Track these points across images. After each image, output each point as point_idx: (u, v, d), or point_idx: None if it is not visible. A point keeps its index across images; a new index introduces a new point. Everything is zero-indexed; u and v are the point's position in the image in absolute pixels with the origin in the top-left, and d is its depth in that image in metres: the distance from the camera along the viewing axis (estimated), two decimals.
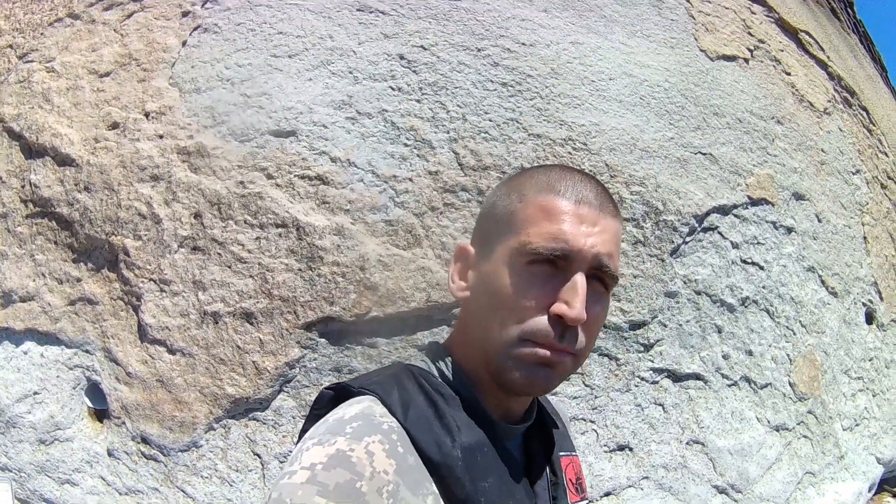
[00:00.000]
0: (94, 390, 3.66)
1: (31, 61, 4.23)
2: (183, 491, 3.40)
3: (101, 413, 3.64)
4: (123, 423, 3.51)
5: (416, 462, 1.13)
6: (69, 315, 3.71)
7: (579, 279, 1.17)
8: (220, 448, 3.40)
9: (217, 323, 3.49)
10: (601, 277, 1.23)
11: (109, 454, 3.51)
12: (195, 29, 4.10)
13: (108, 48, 4.14)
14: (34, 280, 3.79)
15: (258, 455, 3.39)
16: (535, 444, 1.39)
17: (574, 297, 1.16)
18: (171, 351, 3.51)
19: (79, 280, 3.75)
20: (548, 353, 1.18)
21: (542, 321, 1.18)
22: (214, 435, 3.42)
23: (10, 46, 4.33)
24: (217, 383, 3.43)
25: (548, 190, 1.24)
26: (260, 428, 3.42)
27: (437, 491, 1.13)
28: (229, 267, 3.54)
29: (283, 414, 3.42)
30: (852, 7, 9.28)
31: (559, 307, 1.16)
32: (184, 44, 4.07)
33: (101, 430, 3.58)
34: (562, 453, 1.44)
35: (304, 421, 1.32)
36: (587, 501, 1.46)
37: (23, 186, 3.95)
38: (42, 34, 4.30)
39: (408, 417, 1.17)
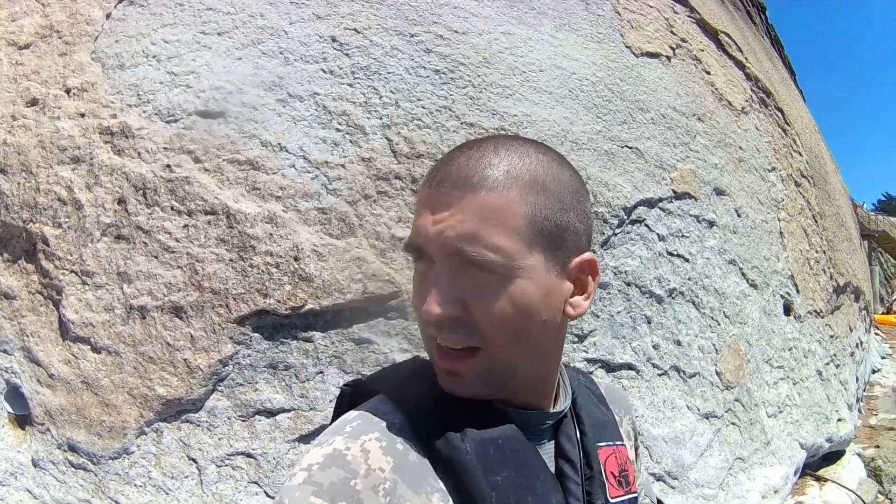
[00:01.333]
0: (14, 394, 3.41)
1: None
2: (116, 501, 3.15)
3: (22, 419, 3.39)
4: (48, 429, 3.28)
5: (419, 459, 1.08)
6: None
7: (433, 275, 1.09)
8: (153, 454, 3.19)
9: (144, 318, 3.28)
10: (476, 263, 1.08)
11: (35, 464, 3.27)
12: (121, 1, 3.90)
13: (29, 18, 3.93)
14: None
15: (194, 460, 3.19)
16: (567, 437, 1.29)
17: (428, 294, 1.08)
18: (96, 349, 3.28)
19: None
20: (443, 364, 1.13)
21: (426, 321, 1.12)
22: (146, 440, 3.20)
23: None
24: (147, 384, 3.22)
25: (426, 177, 1.16)
26: (194, 431, 3.22)
27: (444, 488, 1.07)
28: (156, 257, 3.34)
29: (217, 415, 3.22)
30: (765, 12, 9.58)
31: (423, 306, 1.09)
32: (108, 16, 3.87)
33: (25, 438, 3.34)
34: (601, 444, 1.33)
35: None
36: (633, 496, 1.35)
37: None
38: None
39: (415, 414, 1.13)
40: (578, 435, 1.29)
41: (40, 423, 3.28)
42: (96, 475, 3.20)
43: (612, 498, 1.28)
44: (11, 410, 3.37)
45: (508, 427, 1.16)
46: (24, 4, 3.98)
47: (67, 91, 3.66)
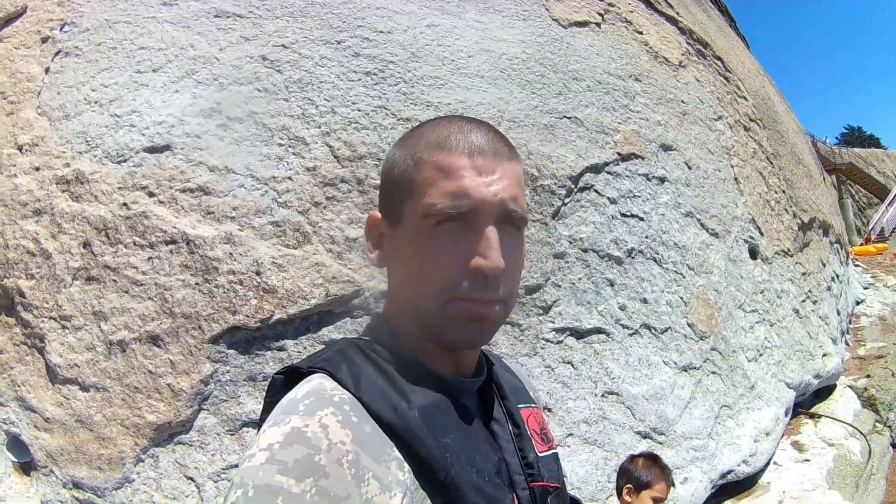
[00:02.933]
0: (15, 443, 3.59)
1: None
2: None
3: (26, 466, 3.57)
4: (52, 471, 3.46)
5: (374, 429, 1.15)
6: None
7: (490, 232, 1.18)
8: (153, 479, 3.38)
9: (125, 351, 3.48)
10: (511, 221, 1.22)
11: None
12: (56, 54, 4.11)
13: None
14: None
15: (191, 479, 3.38)
16: (491, 399, 1.41)
17: (488, 250, 1.17)
18: (85, 388, 3.49)
19: None
20: (477, 307, 1.20)
21: (462, 277, 1.19)
22: (144, 466, 3.39)
23: None
24: (136, 413, 3.42)
25: (439, 147, 1.24)
26: (188, 451, 3.41)
27: (399, 456, 1.14)
28: (126, 292, 3.54)
29: (206, 433, 3.43)
30: None
31: (477, 261, 1.18)
32: (47, 70, 4.07)
33: (32, 483, 3.52)
34: (521, 405, 1.46)
35: (261, 412, 1.31)
36: (556, 451, 1.44)
37: None
38: None
39: (360, 388, 1.19)
40: (500, 399, 1.42)
41: (43, 466, 3.47)
42: None
43: (539, 452, 1.40)
44: (15, 459, 3.55)
45: (445, 390, 1.27)
46: None
47: (20, 148, 3.86)
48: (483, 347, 1.44)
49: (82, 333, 3.54)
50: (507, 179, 1.20)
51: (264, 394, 1.34)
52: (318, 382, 1.19)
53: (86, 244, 3.64)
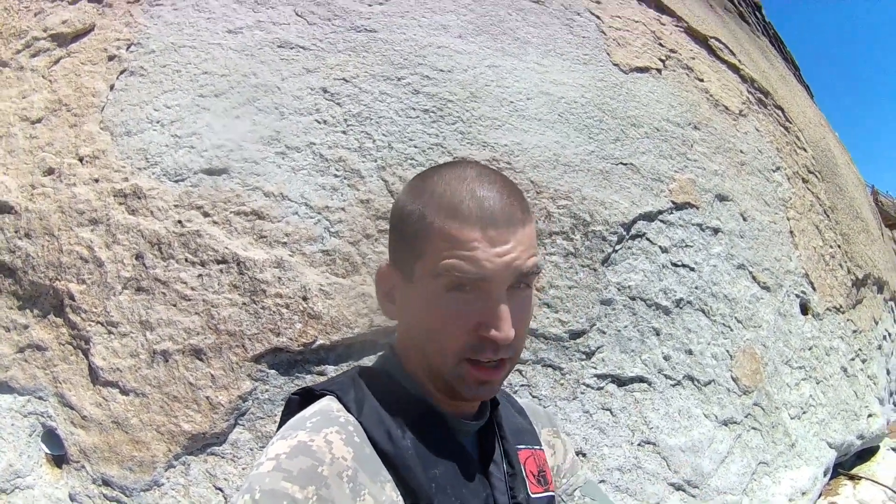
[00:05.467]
0: (50, 436, 3.71)
1: None
2: None
3: (58, 459, 3.69)
4: (83, 466, 3.58)
5: (372, 452, 1.26)
6: (19, 362, 3.78)
7: (503, 307, 1.27)
8: (182, 485, 3.49)
9: (167, 361, 3.61)
10: (524, 280, 1.32)
11: (71, 499, 3.56)
12: (122, 72, 4.24)
13: (38, 94, 4.25)
14: None
15: (220, 489, 3.49)
16: (491, 440, 1.48)
17: (500, 321, 1.26)
18: (125, 392, 3.61)
19: (26, 327, 3.82)
20: (486, 374, 1.31)
21: (473, 343, 1.29)
22: (175, 472, 3.50)
23: None
24: (173, 421, 3.54)
25: (451, 216, 1.28)
26: (219, 462, 3.52)
27: (392, 479, 1.25)
28: (174, 305, 3.67)
29: (240, 447, 3.53)
30: (760, 10, 9.65)
31: (490, 333, 1.27)
32: (112, 88, 4.20)
33: (61, 476, 3.63)
34: (521, 446, 1.54)
35: (277, 428, 1.42)
36: (552, 494, 1.54)
37: None
38: None
39: (362, 413, 1.31)
40: (500, 439, 1.51)
41: (76, 461, 3.60)
42: None
43: (532, 493, 1.49)
44: (48, 451, 3.69)
45: (443, 427, 1.39)
46: (32, 82, 4.32)
47: (80, 159, 3.99)
48: None
49: (127, 340, 3.67)
50: (520, 247, 1.29)
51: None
52: (325, 404, 1.33)
53: (138, 256, 3.77)
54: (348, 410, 1.32)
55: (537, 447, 1.61)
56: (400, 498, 1.25)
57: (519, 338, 1.32)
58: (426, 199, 1.33)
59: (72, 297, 3.77)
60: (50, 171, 4.02)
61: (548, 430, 1.75)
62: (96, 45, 4.38)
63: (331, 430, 1.24)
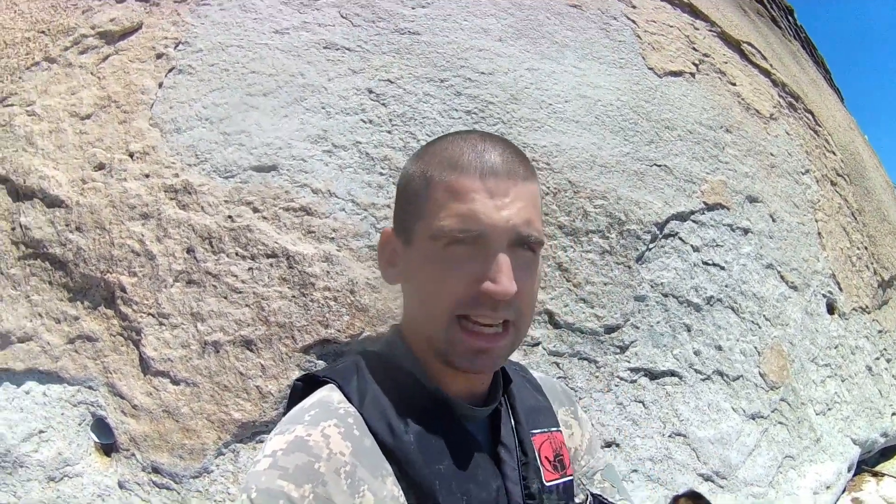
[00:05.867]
0: (100, 425, 3.80)
1: (11, 105, 4.37)
2: None
3: (107, 447, 3.77)
4: (133, 454, 3.67)
5: (373, 445, 1.22)
6: (69, 353, 3.84)
7: (502, 258, 1.22)
8: (231, 472, 3.58)
9: (218, 352, 3.71)
10: (525, 244, 1.26)
11: (120, 486, 3.65)
12: (170, 70, 4.33)
13: (87, 91, 4.32)
14: (31, 321, 3.91)
15: None
16: (503, 425, 1.43)
17: (499, 274, 1.21)
18: (175, 381, 3.70)
19: (76, 318, 3.89)
20: (482, 341, 1.25)
21: (471, 300, 1.23)
22: (224, 460, 3.59)
23: None
24: (223, 409, 3.63)
25: (451, 168, 1.26)
26: None
27: (394, 473, 1.21)
28: (225, 297, 3.77)
29: None
30: (792, 14, 9.67)
31: (487, 286, 1.21)
32: (160, 85, 4.28)
33: (111, 464, 3.73)
34: (536, 431, 1.48)
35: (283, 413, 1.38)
36: (570, 478, 1.48)
37: (13, 229, 4.07)
38: (20, 78, 4.44)
39: (363, 404, 1.26)
40: (513, 424, 1.45)
41: (125, 448, 3.69)
42: (179, 493, 3.60)
43: (547, 481, 1.43)
44: (97, 440, 3.78)
45: (449, 416, 1.33)
46: (80, 78, 4.40)
47: (131, 155, 4.08)
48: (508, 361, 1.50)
49: (178, 331, 3.78)
50: (520, 202, 1.25)
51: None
52: (325, 394, 1.30)
53: (189, 249, 3.87)
54: (349, 400, 1.28)
55: (554, 429, 1.55)
56: (401, 492, 1.22)
57: (522, 300, 1.28)
58: (428, 159, 1.33)
59: (123, 290, 3.86)
60: (100, 167, 4.10)
61: (565, 410, 1.69)
62: (144, 43, 4.47)
63: (329, 424, 1.21)
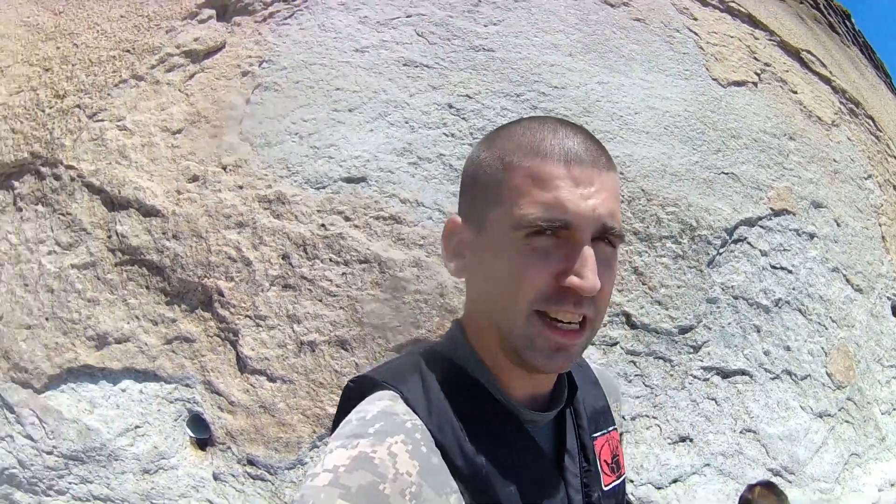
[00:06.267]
0: (195, 421, 3.99)
1: (102, 120, 4.52)
2: None
3: (202, 442, 3.97)
4: (229, 447, 3.86)
5: (440, 461, 1.13)
6: (167, 353, 4.03)
7: (587, 251, 1.13)
8: None
9: (314, 351, 3.90)
10: (607, 237, 1.18)
11: (215, 478, 3.86)
12: (256, 87, 4.51)
13: (177, 107, 4.50)
14: (128, 322, 4.08)
15: None
16: (567, 429, 1.35)
17: (585, 268, 1.12)
18: (272, 379, 3.90)
19: (174, 320, 4.07)
20: (563, 337, 1.16)
21: (553, 294, 1.15)
22: (318, 452, 3.72)
23: (78, 106, 4.59)
24: (318, 405, 3.82)
25: (533, 153, 1.17)
26: None
27: (458, 490, 1.14)
28: (320, 300, 3.95)
29: None
30: (850, 19, 9.64)
31: (572, 280, 1.12)
32: (247, 101, 4.46)
33: (206, 457, 3.92)
34: (596, 434, 1.40)
35: (335, 417, 1.31)
36: (622, 478, 1.43)
37: (109, 237, 4.22)
38: (109, 94, 4.59)
39: (431, 418, 1.16)
40: (577, 429, 1.37)
41: (221, 442, 3.89)
42: (273, 484, 3.80)
43: (605, 486, 1.37)
44: (193, 434, 3.98)
45: (518, 426, 1.25)
46: (169, 95, 4.58)
47: (224, 167, 4.27)
48: None
49: (275, 332, 3.98)
50: (605, 192, 1.16)
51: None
52: (388, 404, 1.17)
53: (284, 256, 4.06)
54: (415, 412, 1.17)
55: (612, 428, 1.46)
56: None
57: (601, 297, 1.19)
58: (503, 143, 1.22)
59: (221, 294, 4.05)
60: (194, 178, 4.28)
61: (615, 406, 1.58)
62: (229, 62, 4.64)
63: (396, 440, 1.11)
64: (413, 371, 1.23)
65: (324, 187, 4.21)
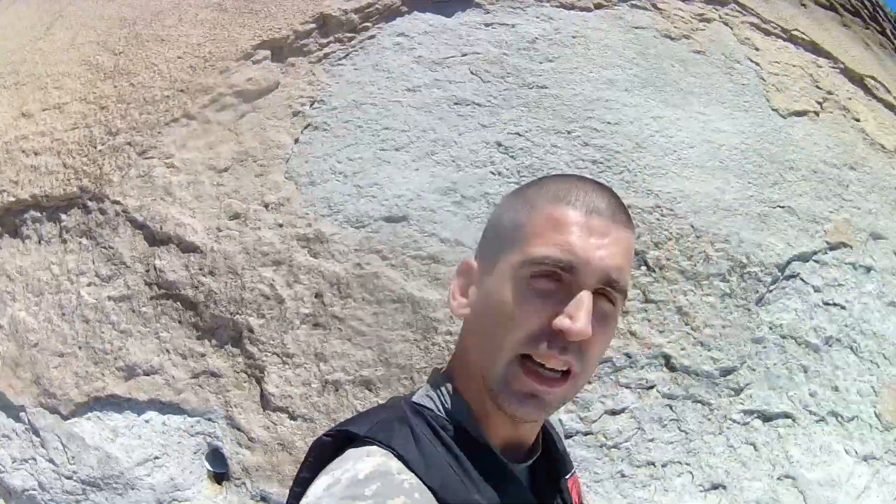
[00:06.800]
0: (215, 455, 3.93)
1: (151, 157, 4.47)
2: None
3: (220, 476, 3.90)
4: (244, 483, 3.77)
5: None
6: (193, 387, 3.96)
7: (585, 295, 1.13)
8: None
9: (338, 391, 3.78)
10: (608, 294, 1.18)
11: None
12: (306, 127, 4.40)
13: (225, 146, 4.42)
14: (158, 356, 4.03)
15: None
16: (542, 473, 1.34)
17: (578, 311, 1.11)
18: (293, 417, 3.79)
19: (203, 355, 4.00)
20: (537, 385, 1.15)
21: (542, 335, 1.14)
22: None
23: (129, 144, 4.55)
24: None
25: (557, 200, 1.19)
26: None
27: None
28: (349, 340, 3.83)
29: None
30: None
31: (561, 321, 1.12)
32: (296, 141, 4.36)
33: (221, 491, 3.85)
34: (567, 475, 1.39)
35: (299, 470, 1.27)
36: None
37: (147, 271, 4.18)
38: (159, 133, 4.54)
39: (430, 475, 1.10)
40: (553, 472, 1.37)
41: (237, 478, 3.79)
42: None
43: None
44: (211, 468, 3.90)
45: (513, 481, 1.21)
46: (218, 134, 4.49)
47: (266, 206, 4.17)
48: None
49: (301, 370, 3.85)
50: (616, 247, 1.17)
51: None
52: (381, 462, 1.09)
53: (318, 294, 3.94)
54: (412, 470, 1.10)
55: (573, 471, 1.45)
56: None
57: (591, 351, 1.18)
58: (533, 191, 1.26)
59: (251, 330, 3.95)
60: (236, 216, 4.19)
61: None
62: (280, 102, 4.55)
63: (396, 503, 1.02)
64: (399, 424, 1.18)
65: (364, 226, 4.08)
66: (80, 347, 4.17)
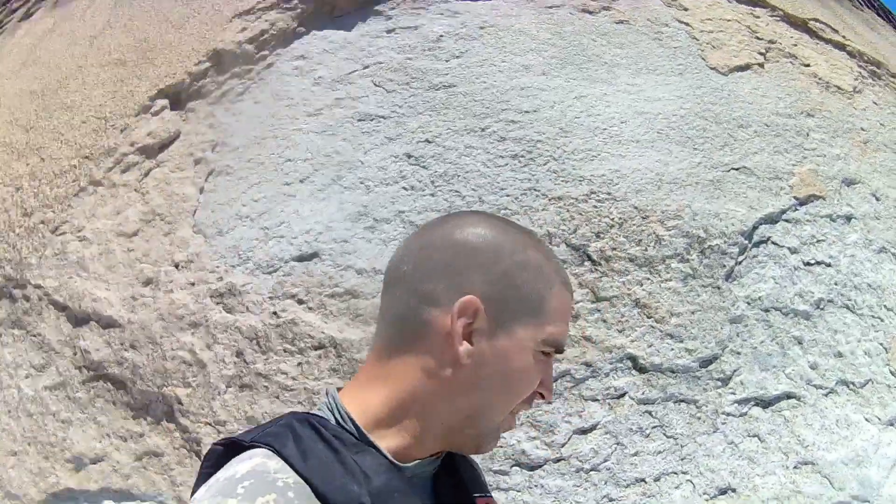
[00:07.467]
0: None
1: (63, 233, 4.26)
2: None
3: None
4: None
5: None
6: (139, 470, 3.69)
7: (552, 367, 1.23)
8: None
9: None
10: None
11: None
12: (209, 174, 4.15)
13: (132, 208, 4.20)
14: (100, 441, 3.80)
15: None
16: (446, 490, 1.27)
17: (552, 383, 1.22)
18: None
19: (141, 435, 3.76)
20: (510, 427, 1.24)
21: (529, 400, 1.20)
22: None
23: (42, 222, 4.36)
24: None
25: (565, 284, 1.21)
26: None
27: None
28: (277, 397, 3.52)
29: None
30: None
31: (545, 393, 1.20)
32: (201, 190, 4.12)
33: None
34: (476, 495, 1.32)
35: (195, 482, 1.18)
36: None
37: (74, 354, 3.97)
38: (69, 206, 4.34)
39: (308, 466, 1.04)
40: (457, 483, 1.30)
41: None
42: None
43: None
44: None
45: (400, 482, 1.11)
46: (125, 197, 4.26)
47: (176, 265, 3.92)
48: None
49: None
50: None
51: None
52: (260, 462, 1.04)
53: (238, 353, 3.63)
54: (290, 465, 1.03)
55: (489, 495, 1.37)
56: None
57: None
58: (546, 264, 1.21)
59: (179, 402, 3.67)
60: (148, 282, 3.96)
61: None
62: (183, 151, 4.31)
63: (267, 500, 0.96)
64: (285, 429, 1.10)
65: (275, 270, 3.76)
66: (28, 443, 3.94)
